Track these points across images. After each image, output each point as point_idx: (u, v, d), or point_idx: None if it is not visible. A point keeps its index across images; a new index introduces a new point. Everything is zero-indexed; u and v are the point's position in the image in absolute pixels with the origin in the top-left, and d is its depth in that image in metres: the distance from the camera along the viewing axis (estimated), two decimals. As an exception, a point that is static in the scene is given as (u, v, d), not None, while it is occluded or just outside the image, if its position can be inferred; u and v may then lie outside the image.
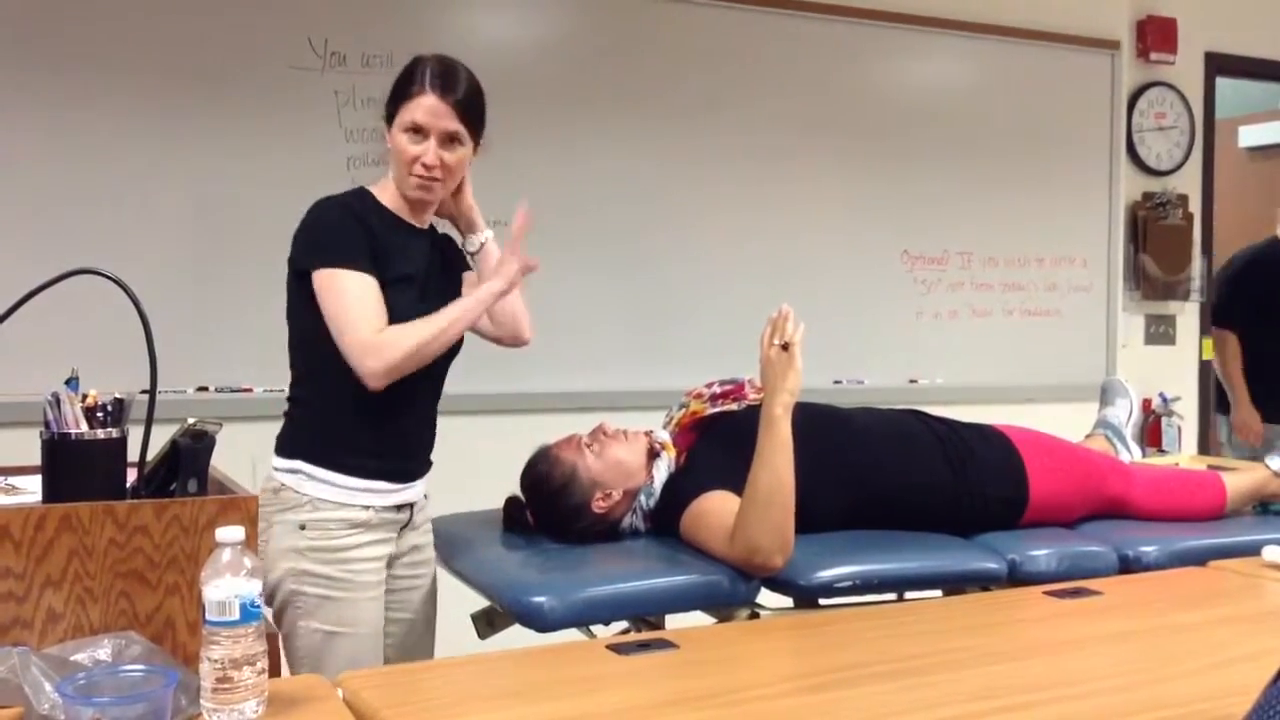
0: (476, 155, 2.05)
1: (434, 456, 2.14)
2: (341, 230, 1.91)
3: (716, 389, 2.36)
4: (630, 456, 2.24)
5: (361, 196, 2.00)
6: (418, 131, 1.94)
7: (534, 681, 1.46)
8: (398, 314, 1.90)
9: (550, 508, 2.23)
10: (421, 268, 2.00)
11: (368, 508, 1.96)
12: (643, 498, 2.23)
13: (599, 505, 2.20)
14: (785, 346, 2.06)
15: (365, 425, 1.94)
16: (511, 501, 2.32)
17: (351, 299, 1.87)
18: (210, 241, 3.20)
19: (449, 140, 1.97)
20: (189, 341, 3.15)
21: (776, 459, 1.98)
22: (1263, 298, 4.19)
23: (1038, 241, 4.42)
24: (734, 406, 2.32)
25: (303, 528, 1.92)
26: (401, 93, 1.95)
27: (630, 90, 3.71)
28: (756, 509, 1.96)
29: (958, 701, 1.36)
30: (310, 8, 3.29)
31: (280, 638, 1.94)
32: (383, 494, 1.98)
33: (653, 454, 2.26)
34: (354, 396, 1.90)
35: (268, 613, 1.57)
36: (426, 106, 1.93)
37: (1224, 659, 1.55)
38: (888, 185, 4.13)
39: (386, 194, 2.01)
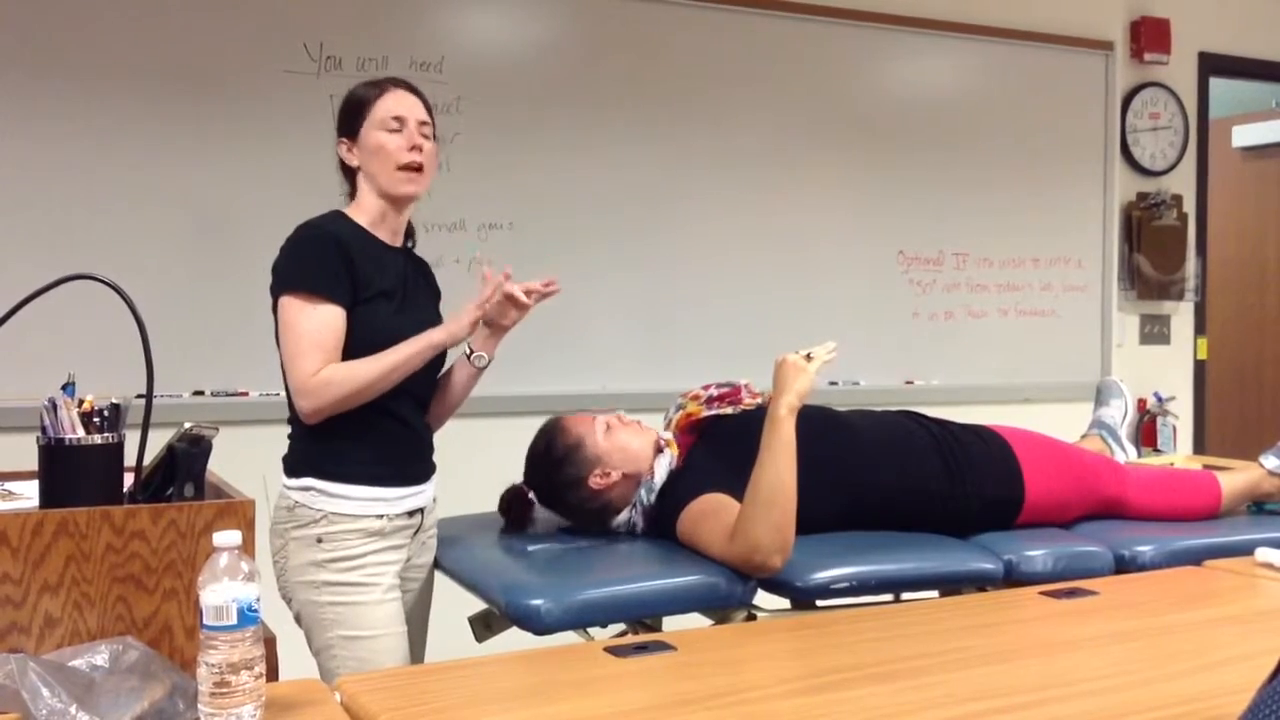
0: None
1: (435, 459, 2.15)
2: (314, 259, 1.93)
3: (713, 391, 2.36)
4: (637, 445, 2.27)
5: (338, 219, 2.02)
6: (395, 125, 1.98)
7: (532, 684, 1.46)
8: (378, 326, 1.95)
9: (549, 474, 2.26)
10: (399, 282, 2.03)
11: (381, 516, 1.98)
12: (643, 492, 2.24)
13: (596, 481, 2.22)
14: (809, 357, 2.06)
15: (364, 435, 1.96)
16: (511, 489, 2.34)
17: (302, 333, 1.91)
18: (206, 246, 3.20)
19: (422, 130, 2.02)
20: (185, 346, 3.15)
21: (779, 459, 1.98)
22: None
23: (1033, 242, 4.42)
24: (729, 410, 2.32)
25: (320, 541, 1.94)
26: (365, 100, 2.01)
27: (626, 94, 3.71)
28: (758, 508, 1.97)
29: (955, 702, 1.36)
30: (305, 12, 3.29)
31: (315, 660, 1.98)
32: (393, 501, 2.00)
33: (657, 450, 2.28)
34: (348, 410, 1.93)
35: (270, 619, 1.58)
36: (399, 99, 2.00)
37: (1219, 659, 1.56)
38: (883, 186, 4.14)
39: (361, 214, 2.04)
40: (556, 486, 2.26)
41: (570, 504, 2.26)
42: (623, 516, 2.26)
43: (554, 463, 2.25)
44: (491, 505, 2.47)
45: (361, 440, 1.96)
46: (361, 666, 1.92)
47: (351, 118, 2.02)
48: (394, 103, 1.99)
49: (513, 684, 1.47)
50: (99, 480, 1.50)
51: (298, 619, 1.99)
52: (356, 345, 1.93)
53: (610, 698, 1.38)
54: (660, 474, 2.24)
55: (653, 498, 2.23)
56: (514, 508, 2.33)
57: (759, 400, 2.32)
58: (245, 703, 1.20)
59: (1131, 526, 2.42)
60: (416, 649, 2.15)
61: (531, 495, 2.34)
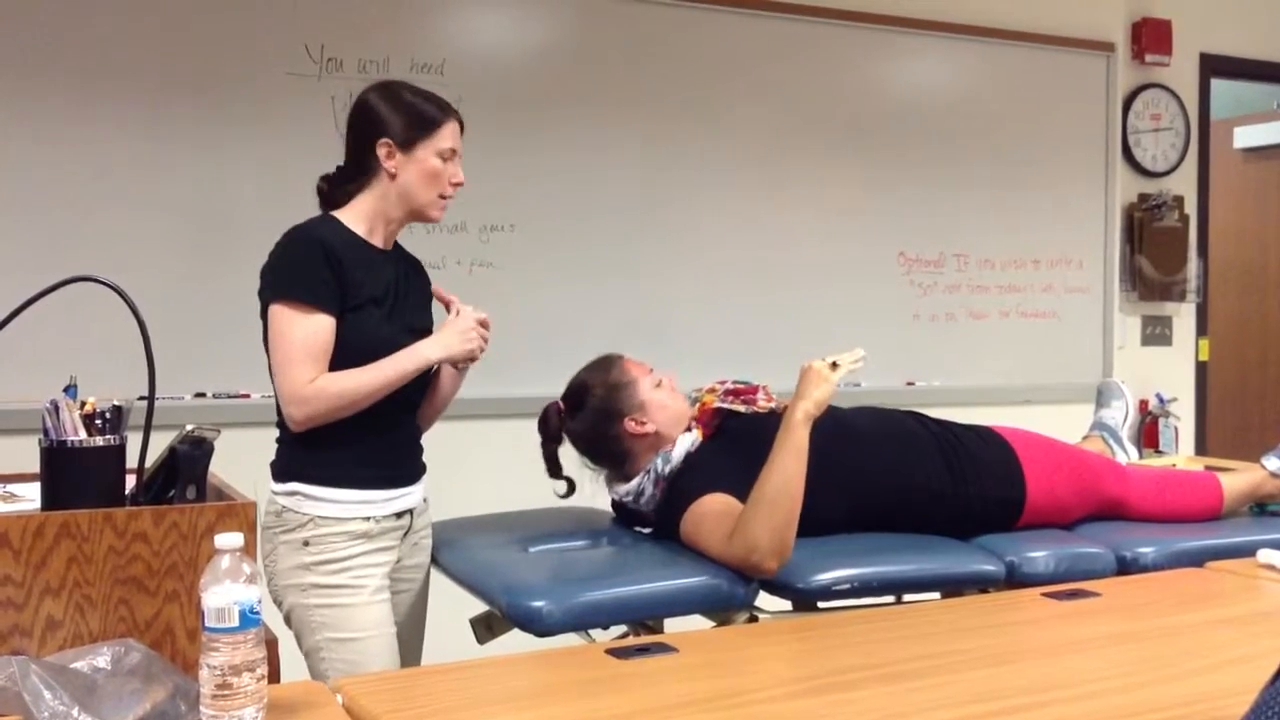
0: None
1: (429, 462, 2.15)
2: (304, 266, 1.93)
3: (729, 385, 2.37)
4: (677, 410, 2.32)
5: (329, 223, 2.01)
6: (449, 155, 2.03)
7: (533, 686, 1.46)
8: (366, 333, 1.95)
9: (588, 396, 2.29)
10: (389, 289, 2.03)
11: (368, 519, 1.98)
12: (659, 461, 2.25)
13: (631, 425, 2.26)
14: (834, 365, 2.07)
15: (351, 439, 1.96)
16: (550, 405, 2.37)
17: (294, 341, 1.91)
18: (207, 248, 3.20)
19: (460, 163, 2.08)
20: (187, 348, 3.15)
21: (789, 464, 1.99)
22: None
23: (1034, 243, 4.42)
24: (740, 408, 2.32)
25: (306, 544, 1.95)
26: (431, 122, 2.02)
27: (627, 95, 3.71)
28: (761, 509, 1.97)
29: (957, 704, 1.36)
30: (307, 14, 3.29)
31: (305, 661, 1.98)
32: (380, 503, 2.00)
33: (686, 427, 2.30)
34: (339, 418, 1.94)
35: (272, 621, 1.58)
36: (456, 132, 2.05)
37: (1221, 660, 1.56)
38: (884, 188, 4.14)
39: (357, 220, 2.03)
40: (593, 411, 2.28)
41: (595, 434, 2.28)
42: (633, 484, 2.27)
43: (600, 388, 2.29)
44: (484, 507, 2.47)
45: (349, 443, 1.96)
46: (351, 668, 1.92)
47: (410, 129, 2.00)
48: (452, 135, 2.03)
49: (514, 686, 1.47)
50: (101, 482, 1.50)
51: (287, 621, 1.99)
52: (345, 352, 1.93)
53: (612, 699, 1.38)
54: (680, 450, 2.25)
55: (668, 469, 2.24)
56: (550, 423, 2.34)
57: (773, 405, 2.32)
58: (247, 705, 1.20)
59: (1133, 528, 2.42)
60: (413, 651, 2.15)
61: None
